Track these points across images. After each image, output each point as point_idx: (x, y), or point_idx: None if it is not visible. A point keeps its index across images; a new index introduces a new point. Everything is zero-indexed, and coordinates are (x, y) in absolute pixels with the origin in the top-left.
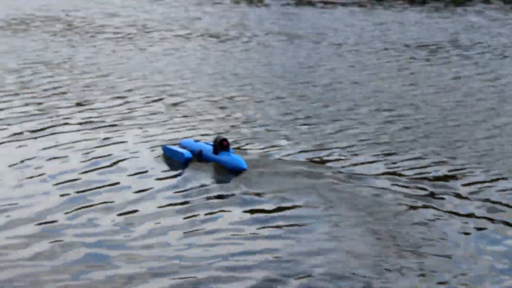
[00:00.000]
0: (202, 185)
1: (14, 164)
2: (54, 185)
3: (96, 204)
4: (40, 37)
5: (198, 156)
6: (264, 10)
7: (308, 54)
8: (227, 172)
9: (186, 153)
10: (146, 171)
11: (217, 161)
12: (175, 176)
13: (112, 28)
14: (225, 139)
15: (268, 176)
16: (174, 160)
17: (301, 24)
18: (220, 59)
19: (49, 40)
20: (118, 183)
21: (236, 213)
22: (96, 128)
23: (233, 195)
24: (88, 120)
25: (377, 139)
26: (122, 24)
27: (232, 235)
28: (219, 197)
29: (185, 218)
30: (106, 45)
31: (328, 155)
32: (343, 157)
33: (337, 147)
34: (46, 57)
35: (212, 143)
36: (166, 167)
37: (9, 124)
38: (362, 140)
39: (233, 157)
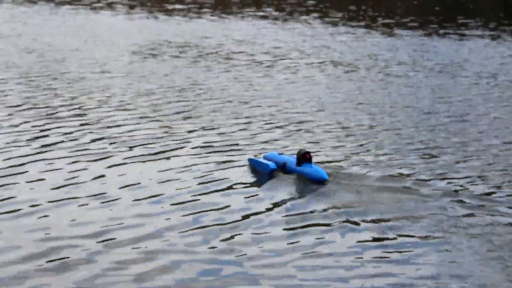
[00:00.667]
0: (305, 208)
1: (132, 185)
2: (169, 205)
3: (207, 226)
4: (172, 62)
5: (282, 168)
6: (396, 40)
7: (441, 84)
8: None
9: (271, 165)
10: (257, 194)
11: (300, 173)
12: (280, 197)
13: (243, 55)
14: (308, 152)
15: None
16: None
17: (434, 55)
18: (351, 88)
19: (181, 65)
20: (229, 205)
21: (339, 236)
22: (216, 151)
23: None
24: (209, 143)
25: (503, 172)
26: (254, 51)
27: (343, 257)
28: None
29: (293, 239)
30: (236, 71)
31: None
32: (462, 186)
33: (456, 177)
34: (176, 82)
35: (295, 156)
36: (273, 191)
37: (134, 146)
38: (484, 171)
39: (315, 169)
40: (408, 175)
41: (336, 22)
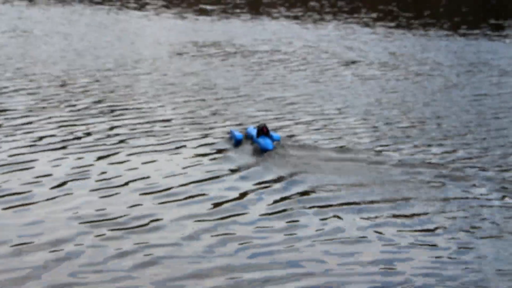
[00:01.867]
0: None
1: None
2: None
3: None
4: (207, 60)
5: (249, 139)
6: (430, 40)
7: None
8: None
9: (239, 136)
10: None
11: (255, 142)
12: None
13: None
14: (264, 126)
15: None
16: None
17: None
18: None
19: (215, 64)
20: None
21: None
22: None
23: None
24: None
25: None
26: (289, 51)
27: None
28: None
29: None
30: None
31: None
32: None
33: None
34: (215, 81)
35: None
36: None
37: (149, 136)
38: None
39: (265, 141)
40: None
41: (371, 22)
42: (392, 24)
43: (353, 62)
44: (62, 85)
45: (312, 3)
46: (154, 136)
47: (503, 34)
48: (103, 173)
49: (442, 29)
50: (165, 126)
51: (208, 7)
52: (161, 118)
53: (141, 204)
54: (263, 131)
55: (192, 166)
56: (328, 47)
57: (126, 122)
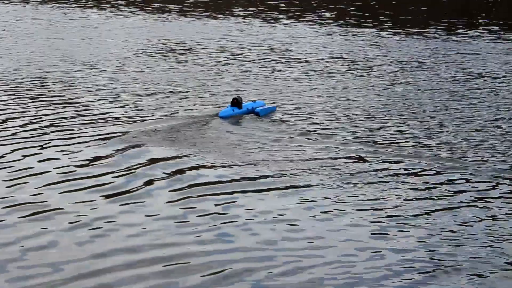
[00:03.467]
0: None
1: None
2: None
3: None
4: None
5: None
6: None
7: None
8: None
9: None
10: None
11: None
12: None
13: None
14: (235, 98)
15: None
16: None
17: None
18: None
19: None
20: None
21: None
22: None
23: None
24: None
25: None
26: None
27: None
28: None
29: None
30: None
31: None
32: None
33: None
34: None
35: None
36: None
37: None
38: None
39: (227, 109)
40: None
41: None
42: (343, 22)
43: (299, 59)
44: None
45: (270, 2)
46: (77, 129)
47: (454, 31)
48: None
49: (396, 27)
50: (93, 120)
51: (166, 5)
52: (92, 112)
53: (42, 193)
54: (233, 102)
55: (101, 158)
56: (273, 44)
57: (56, 115)
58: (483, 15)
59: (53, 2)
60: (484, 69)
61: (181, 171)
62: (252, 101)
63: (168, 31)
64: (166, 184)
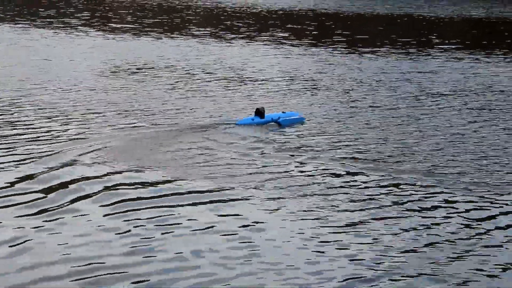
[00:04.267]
0: None
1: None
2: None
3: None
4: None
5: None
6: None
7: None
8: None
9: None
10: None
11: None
12: None
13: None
14: (257, 109)
15: None
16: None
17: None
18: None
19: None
20: None
21: None
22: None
23: None
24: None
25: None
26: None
27: None
28: None
29: None
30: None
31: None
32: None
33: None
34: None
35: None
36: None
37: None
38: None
39: (247, 118)
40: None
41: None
42: (298, 42)
43: (254, 78)
44: None
45: (227, 22)
46: (16, 146)
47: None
48: None
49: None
50: (33, 138)
51: (123, 25)
52: (35, 130)
53: None
54: (256, 112)
55: (35, 176)
56: (230, 63)
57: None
58: (436, 34)
59: (8, 22)
60: (435, 87)
61: (116, 186)
62: (282, 112)
63: (124, 51)
64: (100, 198)
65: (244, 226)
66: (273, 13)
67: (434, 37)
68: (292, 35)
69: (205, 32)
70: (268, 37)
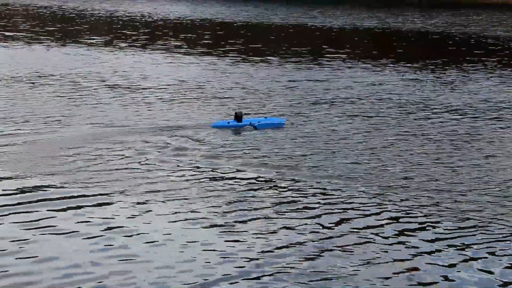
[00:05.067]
0: None
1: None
2: None
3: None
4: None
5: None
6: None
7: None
8: None
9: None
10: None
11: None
12: None
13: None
14: (236, 113)
15: None
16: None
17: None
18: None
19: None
20: None
21: None
22: None
23: None
24: None
25: None
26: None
27: None
28: None
29: None
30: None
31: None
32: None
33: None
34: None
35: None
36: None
37: None
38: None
39: (223, 121)
40: None
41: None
42: (191, 50)
43: (149, 87)
44: None
45: (123, 31)
46: None
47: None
48: None
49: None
50: None
51: (15, 33)
52: None
53: None
54: (235, 116)
55: None
56: (123, 71)
57: None
58: (327, 44)
59: None
60: (327, 94)
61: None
62: (264, 117)
63: (16, 59)
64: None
65: (108, 229)
66: (168, 22)
67: (326, 47)
68: (185, 43)
69: (98, 40)
70: (161, 46)
